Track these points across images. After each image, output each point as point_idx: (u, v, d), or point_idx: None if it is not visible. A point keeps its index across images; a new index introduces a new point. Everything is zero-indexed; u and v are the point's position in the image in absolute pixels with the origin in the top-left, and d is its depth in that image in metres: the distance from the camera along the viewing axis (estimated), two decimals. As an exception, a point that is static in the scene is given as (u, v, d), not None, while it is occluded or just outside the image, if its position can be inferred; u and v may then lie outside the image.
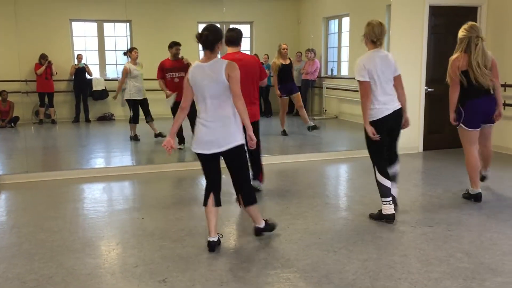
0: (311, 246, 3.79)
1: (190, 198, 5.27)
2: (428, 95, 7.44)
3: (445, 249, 3.70)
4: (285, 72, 8.90)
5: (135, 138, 8.39)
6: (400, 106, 4.31)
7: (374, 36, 4.26)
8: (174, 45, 7.39)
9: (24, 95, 9.33)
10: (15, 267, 3.46)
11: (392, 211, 4.27)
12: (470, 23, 4.68)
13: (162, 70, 7.42)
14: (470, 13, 7.62)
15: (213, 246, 3.68)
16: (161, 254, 3.66)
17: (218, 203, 3.78)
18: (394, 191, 4.37)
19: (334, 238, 3.95)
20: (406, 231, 4.12)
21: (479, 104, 4.66)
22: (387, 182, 4.24)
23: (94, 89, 10.04)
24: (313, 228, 4.21)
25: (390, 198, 4.26)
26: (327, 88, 11.10)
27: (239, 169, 3.74)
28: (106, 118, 10.28)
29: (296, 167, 6.49)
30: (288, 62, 8.99)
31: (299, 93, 9.08)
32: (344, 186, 6.05)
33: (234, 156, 3.66)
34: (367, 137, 4.30)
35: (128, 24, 9.87)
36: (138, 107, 8.33)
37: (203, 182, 6.00)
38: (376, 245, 3.80)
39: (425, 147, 7.62)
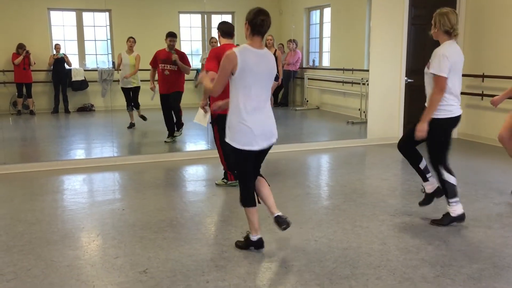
0: (292, 235, 3.81)
1: (171, 189, 5.25)
2: (408, 85, 7.51)
3: (423, 237, 3.76)
4: None
5: (131, 125, 8.60)
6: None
7: (450, 25, 3.77)
8: (168, 36, 7.27)
9: (1, 85, 9.16)
10: (-7, 259, 3.41)
11: (462, 210, 3.97)
12: None
13: (156, 59, 7.37)
14: (449, 3, 7.68)
15: (263, 243, 3.50)
16: (142, 245, 3.65)
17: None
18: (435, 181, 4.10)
19: (315, 228, 3.98)
20: (385, 219, 4.17)
21: None
22: (453, 179, 3.93)
23: (73, 79, 9.90)
24: (294, 217, 4.22)
25: (458, 198, 3.97)
26: (308, 78, 11.13)
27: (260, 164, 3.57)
28: (86, 109, 10.15)
29: (277, 157, 6.51)
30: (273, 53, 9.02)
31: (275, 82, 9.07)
32: (325, 176, 6.09)
33: (269, 149, 3.48)
34: (435, 135, 3.86)
35: (107, 13, 9.73)
36: (129, 95, 8.44)
37: (185, 173, 6.05)
38: (356, 234, 3.84)
39: (405, 137, 7.70)
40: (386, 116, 7.54)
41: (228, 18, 10.70)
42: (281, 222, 3.45)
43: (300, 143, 7.50)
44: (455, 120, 3.93)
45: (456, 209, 3.98)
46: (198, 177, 6.00)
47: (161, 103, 7.54)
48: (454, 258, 3.39)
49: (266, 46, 8.88)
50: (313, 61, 11.55)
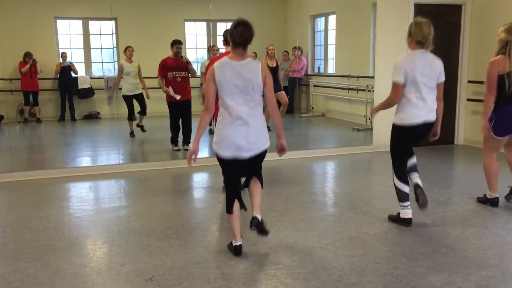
0: (298, 242, 3.80)
1: (177, 196, 5.25)
2: (413, 92, 7.49)
3: (430, 244, 3.74)
4: (271, 74, 8.97)
5: (131, 134, 8.58)
6: (434, 119, 4.02)
7: (422, 36, 3.86)
8: (175, 44, 7.18)
9: (8, 93, 9.23)
10: (0, 267, 3.42)
11: (410, 216, 4.10)
12: (510, 23, 4.29)
13: (163, 68, 7.18)
14: (454, 11, 7.71)
15: (240, 250, 3.54)
16: (148, 252, 3.65)
17: (243, 205, 3.59)
18: (418, 181, 4.13)
19: (321, 235, 3.97)
20: (391, 227, 4.15)
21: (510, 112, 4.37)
22: (405, 188, 4.07)
23: (79, 87, 9.97)
24: (300, 225, 4.23)
25: (408, 203, 4.09)
26: (314, 86, 11.14)
27: (261, 164, 3.60)
28: (92, 117, 10.20)
29: (283, 164, 6.51)
30: (274, 64, 9.07)
31: (282, 91, 9.06)
32: (331, 183, 6.08)
33: (263, 156, 3.52)
34: (394, 139, 4.11)
35: (113, 21, 9.80)
36: (132, 103, 8.43)
37: (190, 180, 6.06)
38: (362, 241, 3.83)
39: (411, 144, 7.68)
40: (391, 122, 7.51)
41: (233, 25, 10.73)
42: (253, 223, 3.52)
43: (305, 150, 7.49)
44: (411, 128, 3.97)
45: (404, 213, 4.12)
46: (204, 184, 6.00)
47: (172, 111, 7.35)
48: (461, 265, 3.36)
49: (267, 55, 9.05)
50: (318, 68, 11.57)
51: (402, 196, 4.11)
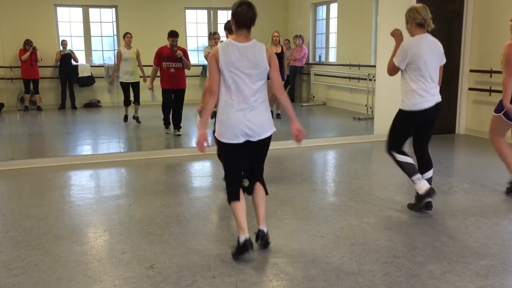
0: (299, 231, 3.81)
1: (178, 185, 5.25)
2: (415, 81, 7.47)
3: (430, 234, 3.75)
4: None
5: (125, 119, 8.59)
6: (439, 100, 4.06)
7: (421, 17, 3.92)
8: (170, 36, 7.35)
9: (8, 81, 9.20)
10: (1, 254, 3.43)
11: (427, 186, 4.04)
12: None
13: (159, 57, 7.40)
14: (456, 0, 7.64)
15: (251, 244, 3.28)
16: (149, 240, 3.66)
17: (249, 192, 3.47)
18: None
19: (321, 224, 3.98)
20: (392, 216, 4.16)
21: None
22: (408, 159, 4.08)
23: (80, 75, 9.92)
24: (301, 213, 4.24)
25: (419, 175, 4.06)
26: (315, 74, 11.09)
27: (264, 158, 3.45)
28: (93, 105, 10.18)
29: (284, 153, 6.51)
30: (279, 50, 9.04)
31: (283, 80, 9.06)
32: (332, 172, 6.08)
33: (266, 145, 3.36)
34: (398, 121, 4.12)
35: (114, 9, 9.73)
36: (129, 90, 8.47)
37: (191, 168, 6.06)
38: (363, 230, 3.83)
39: (412, 133, 7.67)
40: (393, 112, 7.41)
41: (234, 13, 10.66)
42: (260, 237, 3.42)
43: (306, 139, 7.46)
44: (420, 114, 4.00)
45: (422, 185, 4.05)
46: (204, 173, 6.01)
47: (165, 97, 7.56)
48: (461, 254, 3.37)
49: (272, 42, 9.03)
50: (320, 56, 11.51)
51: (410, 169, 4.08)
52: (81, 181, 5.43)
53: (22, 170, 5.87)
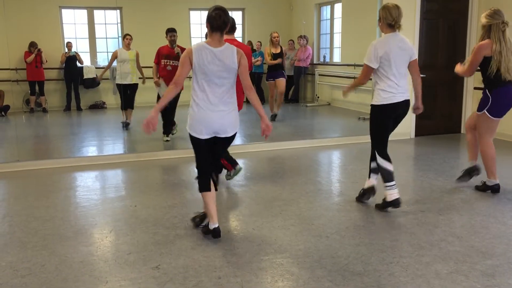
0: (304, 231, 3.81)
1: (183, 185, 5.26)
2: (420, 81, 7.45)
3: (436, 233, 3.73)
4: (274, 59, 9.00)
5: (124, 124, 8.38)
6: (408, 97, 4.18)
7: (392, 19, 4.06)
8: (168, 32, 7.26)
9: (14, 83, 9.25)
10: (8, 255, 3.45)
11: (397, 196, 4.15)
12: (493, 8, 4.50)
13: (158, 55, 7.39)
14: (461, -3, 7.62)
15: (219, 233, 3.63)
16: (154, 241, 3.67)
17: (216, 185, 3.79)
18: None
19: (327, 224, 3.97)
20: (397, 215, 4.15)
21: (505, 93, 4.50)
22: (388, 165, 4.15)
23: (85, 77, 9.98)
24: (306, 214, 4.23)
25: (393, 182, 4.14)
26: (319, 75, 11.09)
27: (226, 150, 3.94)
28: (98, 106, 10.22)
29: (289, 153, 6.50)
30: (279, 51, 9.04)
31: (283, 79, 9.05)
32: (337, 172, 6.07)
33: (229, 141, 3.69)
34: (376, 118, 4.21)
35: (118, 11, 9.77)
36: (126, 93, 8.26)
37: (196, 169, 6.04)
38: (368, 230, 3.83)
39: (417, 133, 7.65)
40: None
41: (238, 14, 10.69)
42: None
43: (311, 139, 7.48)
44: (392, 107, 4.10)
45: (391, 193, 4.14)
46: (210, 173, 6.00)
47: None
48: (467, 254, 3.36)
49: (272, 43, 9.03)
50: (324, 57, 11.51)
51: (387, 175, 4.17)
52: (87, 182, 5.45)
53: (28, 172, 5.90)
